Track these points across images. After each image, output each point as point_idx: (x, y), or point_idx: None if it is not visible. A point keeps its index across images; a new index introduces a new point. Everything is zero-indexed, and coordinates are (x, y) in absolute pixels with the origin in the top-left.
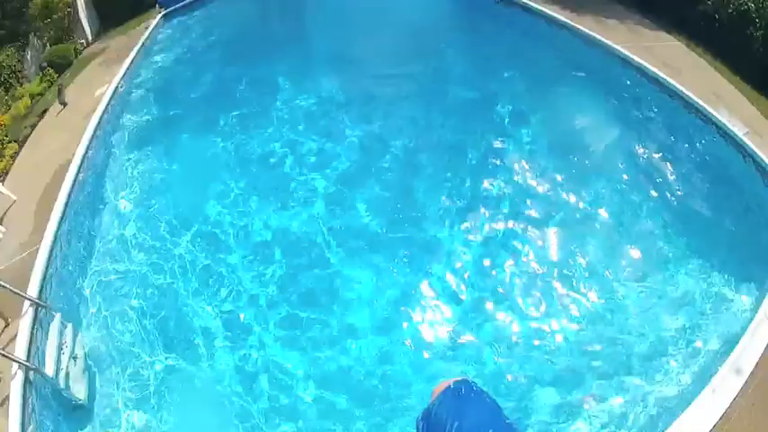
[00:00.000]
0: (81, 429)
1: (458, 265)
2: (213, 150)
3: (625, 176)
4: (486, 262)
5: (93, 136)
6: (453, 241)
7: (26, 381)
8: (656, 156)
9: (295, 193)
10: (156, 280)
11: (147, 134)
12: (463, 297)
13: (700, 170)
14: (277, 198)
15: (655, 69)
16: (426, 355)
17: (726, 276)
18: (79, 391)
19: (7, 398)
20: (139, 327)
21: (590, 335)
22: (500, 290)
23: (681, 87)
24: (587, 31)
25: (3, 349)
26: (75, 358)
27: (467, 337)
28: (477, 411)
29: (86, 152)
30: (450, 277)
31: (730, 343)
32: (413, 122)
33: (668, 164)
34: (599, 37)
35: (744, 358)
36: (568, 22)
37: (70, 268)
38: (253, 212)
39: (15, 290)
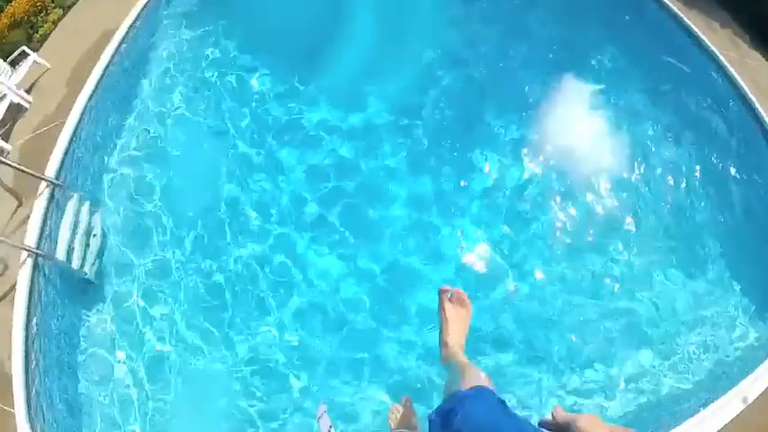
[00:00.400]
0: (88, 311)
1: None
2: (282, 40)
3: (695, 181)
4: (537, 209)
5: (144, 6)
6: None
7: (35, 267)
8: (731, 171)
9: (358, 98)
10: (193, 160)
11: (204, 14)
12: (500, 231)
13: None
14: (335, 99)
15: (743, 84)
16: (442, 266)
17: (751, 312)
18: (91, 271)
19: (14, 286)
20: (165, 208)
21: (607, 308)
22: (539, 242)
23: (761, 111)
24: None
25: (15, 231)
26: (90, 237)
27: (490, 264)
28: (486, 404)
29: (134, 22)
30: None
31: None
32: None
33: (736, 185)
34: (699, 33)
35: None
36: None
37: (98, 141)
38: (310, 105)
39: (29, 170)
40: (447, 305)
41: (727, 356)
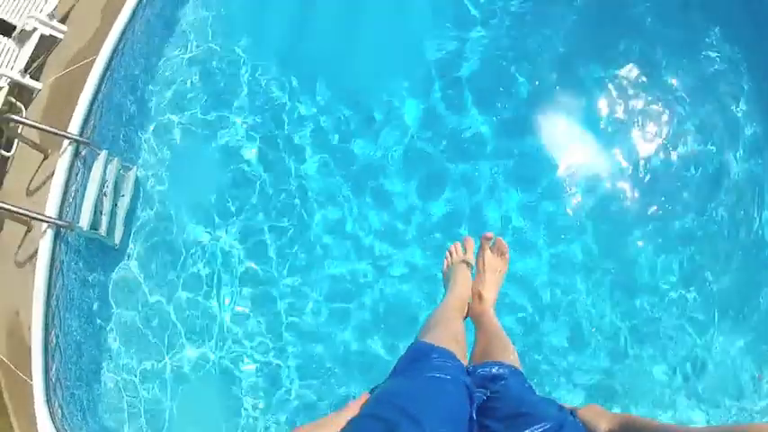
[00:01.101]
0: (116, 277)
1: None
2: None
3: None
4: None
5: None
6: None
7: (56, 236)
8: None
9: None
10: (240, 105)
11: None
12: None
13: None
14: None
15: None
16: None
17: None
18: (117, 237)
19: (37, 251)
20: (219, 161)
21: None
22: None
23: None
24: None
25: (39, 188)
26: (118, 200)
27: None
28: (524, 383)
29: None
30: None
31: None
32: None
33: None
34: None
35: None
36: None
37: (136, 80)
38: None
39: (47, 128)
40: (487, 254)
41: None
